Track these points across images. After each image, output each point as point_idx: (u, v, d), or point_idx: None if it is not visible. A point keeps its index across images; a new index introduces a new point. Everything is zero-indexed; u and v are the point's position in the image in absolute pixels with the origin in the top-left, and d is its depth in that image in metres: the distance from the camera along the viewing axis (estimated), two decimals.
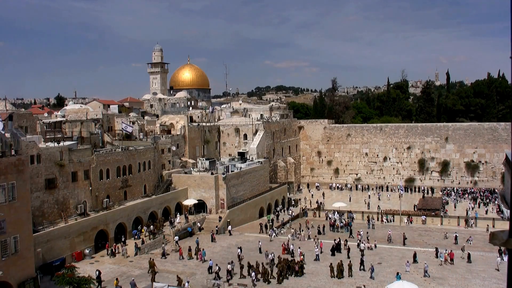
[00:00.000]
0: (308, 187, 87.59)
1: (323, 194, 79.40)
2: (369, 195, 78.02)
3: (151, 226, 48.39)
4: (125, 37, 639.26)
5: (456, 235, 50.37)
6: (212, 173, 58.23)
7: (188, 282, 34.15)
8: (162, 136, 65.45)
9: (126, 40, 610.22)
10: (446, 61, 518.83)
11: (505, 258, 39.03)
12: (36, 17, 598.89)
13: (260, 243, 45.72)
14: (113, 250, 43.06)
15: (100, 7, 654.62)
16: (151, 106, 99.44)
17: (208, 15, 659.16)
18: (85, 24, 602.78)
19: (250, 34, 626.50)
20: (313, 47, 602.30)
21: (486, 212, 64.57)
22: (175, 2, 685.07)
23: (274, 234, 51.97)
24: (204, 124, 78.92)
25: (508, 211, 57.33)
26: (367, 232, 52.55)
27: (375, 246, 46.10)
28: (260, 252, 43.90)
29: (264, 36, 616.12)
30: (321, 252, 43.61)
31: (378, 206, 69.59)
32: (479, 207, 67.67)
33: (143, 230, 48.12)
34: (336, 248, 44.63)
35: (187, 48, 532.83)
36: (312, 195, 79.71)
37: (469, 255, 41.47)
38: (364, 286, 33.96)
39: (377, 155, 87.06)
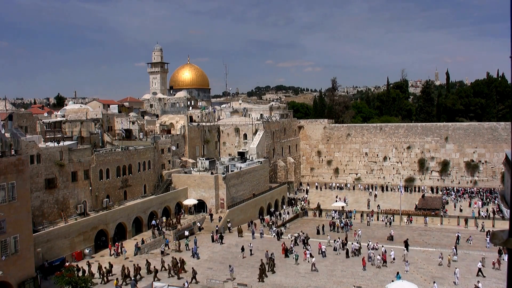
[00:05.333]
0: (307, 186, 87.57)
1: (329, 187, 79.35)
2: (370, 195, 78.24)
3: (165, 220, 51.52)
4: (131, 37, 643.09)
5: (458, 235, 50.41)
6: (212, 173, 58.22)
7: (188, 282, 34.15)
8: (162, 136, 65.42)
9: (131, 41, 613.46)
10: (451, 60, 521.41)
11: (505, 258, 39.07)
12: (43, 18, 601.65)
13: (251, 244, 44.93)
14: (116, 250, 43.05)
15: (110, 8, 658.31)
16: (151, 106, 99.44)
17: (216, 16, 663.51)
18: (92, 26, 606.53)
19: (256, 35, 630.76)
20: (317, 47, 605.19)
21: (487, 211, 64.56)
22: (183, 3, 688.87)
23: (274, 234, 51.99)
24: (204, 124, 78.90)
25: (508, 210, 57.32)
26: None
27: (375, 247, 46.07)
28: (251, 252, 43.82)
29: (269, 37, 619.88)
30: (320, 253, 43.72)
31: (378, 205, 69.76)
32: (486, 207, 67.53)
33: (164, 220, 51.67)
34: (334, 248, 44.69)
35: (191, 49, 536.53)
36: (308, 191, 79.78)
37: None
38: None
39: (377, 155, 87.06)
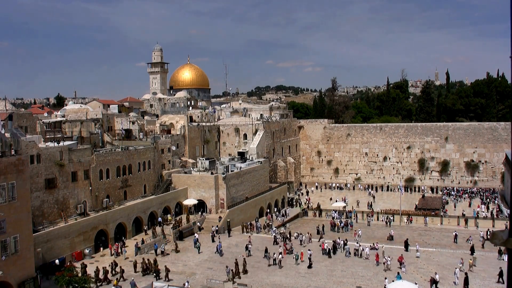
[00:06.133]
0: (305, 187, 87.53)
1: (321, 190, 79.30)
2: (369, 195, 78.29)
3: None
4: (132, 38, 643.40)
5: (456, 234, 50.51)
6: (212, 173, 58.20)
7: (188, 282, 34.15)
8: (162, 136, 65.41)
9: (132, 41, 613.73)
10: (451, 60, 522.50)
11: (505, 258, 39.05)
12: (44, 18, 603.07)
13: (250, 245, 44.92)
14: (116, 250, 43.07)
15: (112, 8, 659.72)
16: (151, 106, 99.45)
17: (217, 16, 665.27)
18: (93, 26, 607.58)
19: (256, 35, 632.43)
20: (317, 47, 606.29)
21: (489, 210, 64.55)
22: (184, 4, 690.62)
23: (274, 234, 51.96)
24: (204, 124, 78.90)
25: (508, 210, 57.32)
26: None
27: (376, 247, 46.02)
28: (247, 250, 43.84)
29: (270, 37, 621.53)
30: (324, 253, 43.77)
31: (370, 203, 70.51)
32: (487, 208, 67.36)
33: (170, 218, 53.12)
34: (333, 248, 44.66)
35: (191, 49, 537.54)
36: (308, 193, 79.71)
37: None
38: None
39: (377, 155, 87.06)
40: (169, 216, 53.78)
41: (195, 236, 48.17)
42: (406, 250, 44.64)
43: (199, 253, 44.13)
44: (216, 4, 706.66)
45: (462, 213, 61.90)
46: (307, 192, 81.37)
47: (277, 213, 63.96)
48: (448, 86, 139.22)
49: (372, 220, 61.34)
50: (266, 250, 42.62)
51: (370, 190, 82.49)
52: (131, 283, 33.06)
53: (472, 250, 43.31)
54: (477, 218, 59.16)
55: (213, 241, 48.03)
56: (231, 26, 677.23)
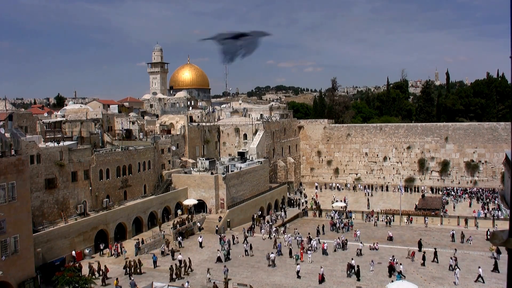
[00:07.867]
0: (298, 187, 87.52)
1: (321, 189, 79.22)
2: (367, 195, 78.25)
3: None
4: (134, 38, 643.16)
5: (453, 233, 50.56)
6: (212, 173, 58.21)
7: (188, 282, 34.17)
8: (162, 136, 65.41)
9: (134, 41, 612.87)
10: (451, 60, 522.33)
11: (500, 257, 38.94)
12: (45, 18, 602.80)
13: (247, 245, 44.77)
14: (116, 250, 43.12)
15: (114, 9, 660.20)
16: (151, 106, 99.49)
17: (219, 16, 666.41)
18: (95, 26, 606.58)
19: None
20: (318, 47, 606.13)
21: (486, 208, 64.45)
22: (186, 4, 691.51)
23: (274, 234, 51.98)
24: (204, 124, 78.91)
25: (508, 210, 57.31)
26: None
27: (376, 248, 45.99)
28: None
29: (271, 37, 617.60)
30: (323, 253, 43.81)
31: (367, 204, 70.38)
32: (483, 209, 67.24)
33: (180, 213, 55.59)
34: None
35: (192, 49, 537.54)
36: (305, 196, 79.67)
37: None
38: None
39: (377, 155, 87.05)
40: (179, 212, 55.59)
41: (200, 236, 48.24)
42: (420, 250, 43.97)
43: (228, 258, 42.34)
44: (218, 5, 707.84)
45: (482, 215, 60.54)
46: (305, 195, 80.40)
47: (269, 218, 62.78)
48: (448, 86, 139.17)
49: (372, 220, 61.33)
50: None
51: (368, 190, 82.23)
52: (131, 283, 33.06)
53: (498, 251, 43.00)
54: (477, 218, 59.13)
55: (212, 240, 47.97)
56: (233, 26, 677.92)
